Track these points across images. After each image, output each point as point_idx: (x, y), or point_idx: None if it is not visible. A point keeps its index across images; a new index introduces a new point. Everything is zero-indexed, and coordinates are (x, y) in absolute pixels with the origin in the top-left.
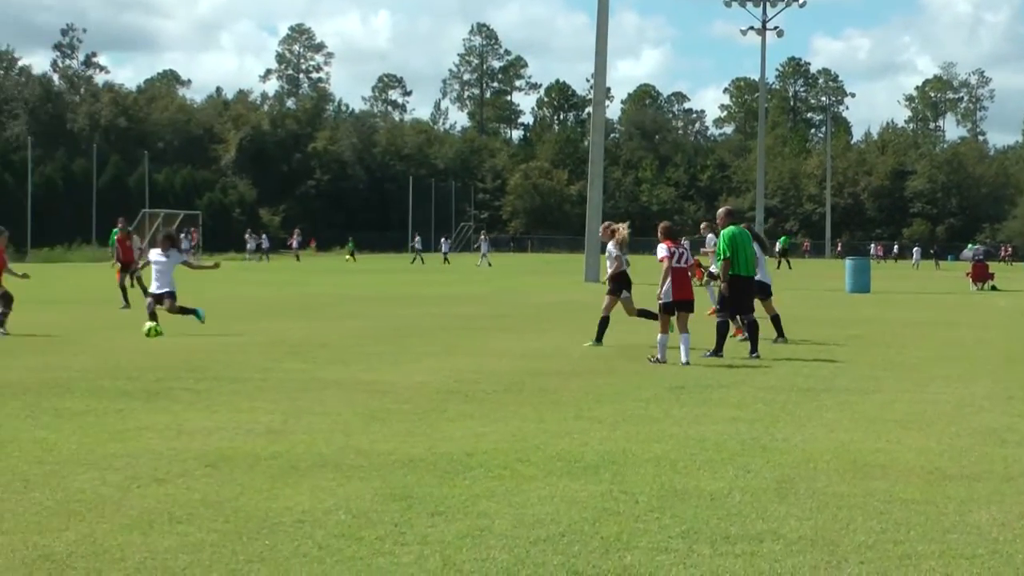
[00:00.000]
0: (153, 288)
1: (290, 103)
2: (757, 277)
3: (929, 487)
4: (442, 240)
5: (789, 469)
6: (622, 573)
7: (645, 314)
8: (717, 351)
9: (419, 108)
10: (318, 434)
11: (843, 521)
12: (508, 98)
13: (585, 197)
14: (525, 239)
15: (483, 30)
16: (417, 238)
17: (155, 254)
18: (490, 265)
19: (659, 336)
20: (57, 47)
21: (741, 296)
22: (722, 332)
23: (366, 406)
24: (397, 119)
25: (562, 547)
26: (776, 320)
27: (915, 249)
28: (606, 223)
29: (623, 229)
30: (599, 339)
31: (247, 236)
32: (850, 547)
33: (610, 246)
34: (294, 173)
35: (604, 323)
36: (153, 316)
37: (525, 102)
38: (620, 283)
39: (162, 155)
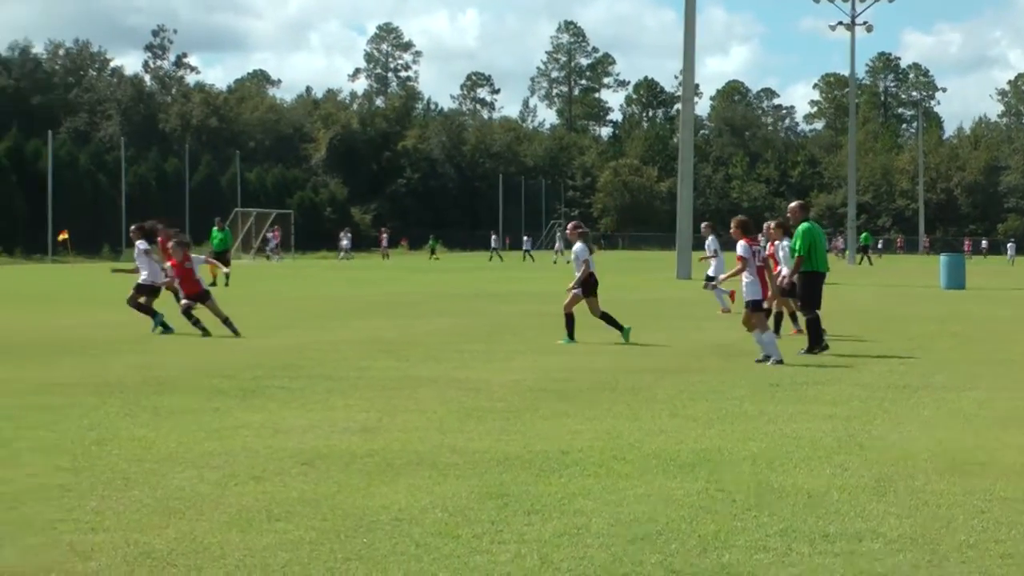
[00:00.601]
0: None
1: (379, 102)
2: (785, 273)
3: None
4: (524, 238)
5: (887, 467)
6: (720, 572)
7: (609, 319)
8: (811, 348)
9: (507, 106)
10: (413, 432)
11: (943, 520)
12: (596, 95)
13: (675, 194)
14: (616, 236)
15: (570, 27)
16: (493, 236)
17: (145, 245)
18: (555, 263)
19: (764, 336)
20: (148, 48)
21: (816, 292)
22: (814, 329)
23: (460, 404)
24: (486, 117)
25: (659, 545)
26: (779, 317)
27: (1009, 244)
28: (574, 222)
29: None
30: (571, 336)
31: (342, 235)
32: (951, 546)
33: (579, 246)
34: (384, 172)
35: (570, 319)
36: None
37: (613, 99)
38: (589, 286)
39: (253, 155)
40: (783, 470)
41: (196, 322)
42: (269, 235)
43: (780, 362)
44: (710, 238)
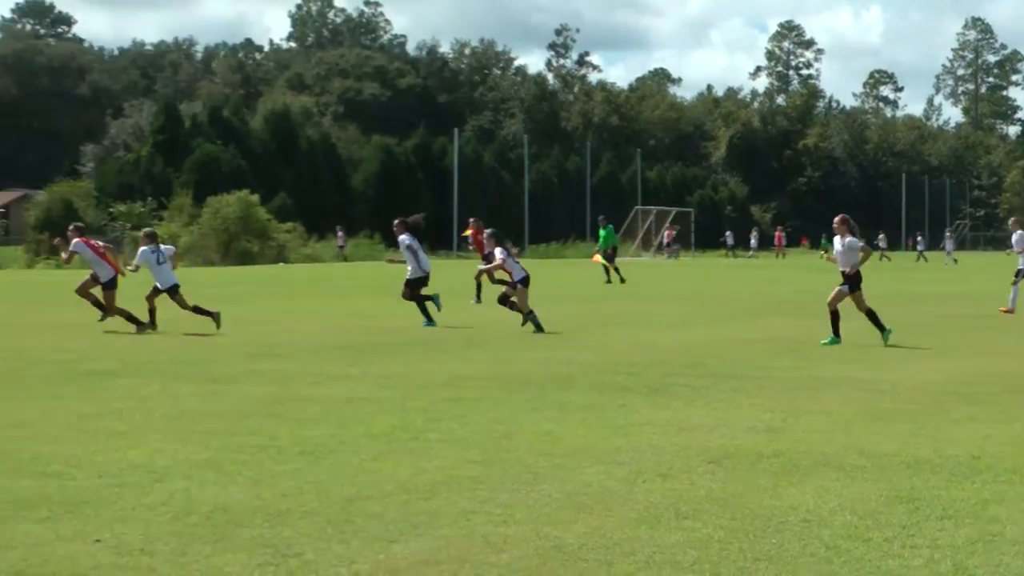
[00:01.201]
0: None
1: (780, 100)
2: None
3: None
4: (918, 238)
5: None
6: None
7: (873, 317)
8: None
9: (911, 104)
10: (818, 433)
11: None
12: (1004, 93)
13: None
14: None
15: (978, 24)
16: (919, 237)
17: (408, 239)
18: (956, 262)
19: None
20: (551, 47)
21: None
22: None
23: (865, 405)
24: (888, 115)
25: None
26: None
27: None
28: (842, 215)
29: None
30: (837, 335)
31: (751, 234)
32: None
33: (850, 239)
34: (784, 170)
35: (835, 316)
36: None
37: (1022, 97)
38: (855, 281)
39: (653, 152)
40: None
41: (529, 313)
42: (665, 233)
43: None
44: (1017, 232)
